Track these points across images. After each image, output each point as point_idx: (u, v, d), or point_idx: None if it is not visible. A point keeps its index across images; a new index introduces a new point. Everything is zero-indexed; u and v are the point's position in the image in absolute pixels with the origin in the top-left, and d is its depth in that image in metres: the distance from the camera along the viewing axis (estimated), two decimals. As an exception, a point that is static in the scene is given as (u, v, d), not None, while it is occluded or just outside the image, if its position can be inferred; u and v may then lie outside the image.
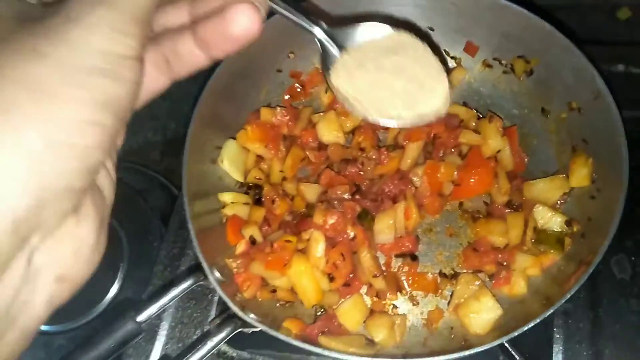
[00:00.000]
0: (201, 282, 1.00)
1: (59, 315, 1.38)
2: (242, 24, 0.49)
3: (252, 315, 0.97)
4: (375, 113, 0.78)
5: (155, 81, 0.56)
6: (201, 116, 1.14)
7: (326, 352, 0.95)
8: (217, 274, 1.01)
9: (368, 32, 0.80)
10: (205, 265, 0.98)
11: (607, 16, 1.53)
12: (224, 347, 1.17)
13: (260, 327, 0.94)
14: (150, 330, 1.18)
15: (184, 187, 1.05)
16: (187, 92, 1.70)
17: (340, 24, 0.80)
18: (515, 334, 0.94)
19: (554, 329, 1.13)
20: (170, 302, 0.97)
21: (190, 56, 0.54)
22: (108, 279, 1.41)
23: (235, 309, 0.95)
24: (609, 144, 1.08)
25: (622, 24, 1.52)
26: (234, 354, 1.17)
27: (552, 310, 0.95)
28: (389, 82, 0.78)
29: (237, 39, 0.50)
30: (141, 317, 0.95)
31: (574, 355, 1.11)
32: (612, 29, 1.53)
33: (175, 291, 0.97)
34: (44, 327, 1.36)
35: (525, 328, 0.94)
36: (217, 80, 1.17)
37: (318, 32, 0.77)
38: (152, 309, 0.96)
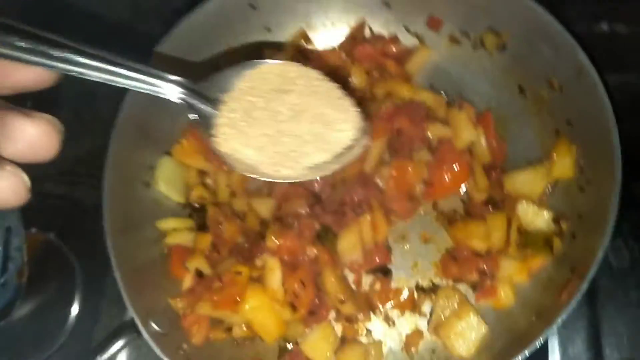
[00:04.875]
0: (136, 341, 0.85)
1: (17, 351, 1.26)
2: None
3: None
4: (285, 169, 0.64)
5: None
6: (125, 133, 0.98)
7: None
8: (156, 327, 0.86)
9: (244, 74, 0.64)
10: (138, 319, 0.84)
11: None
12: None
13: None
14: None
15: (106, 224, 0.89)
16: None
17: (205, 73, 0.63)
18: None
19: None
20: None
21: None
22: (63, 308, 1.28)
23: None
24: (596, 127, 0.94)
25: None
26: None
27: (548, 331, 0.82)
28: (290, 129, 0.63)
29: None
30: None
31: (572, 357, 1.00)
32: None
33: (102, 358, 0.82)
34: None
35: (519, 357, 0.81)
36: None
37: (174, 92, 0.59)
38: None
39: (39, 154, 0.48)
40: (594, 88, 0.93)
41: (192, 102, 0.61)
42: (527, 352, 0.84)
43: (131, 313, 0.84)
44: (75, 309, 1.28)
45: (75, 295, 1.30)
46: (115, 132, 0.98)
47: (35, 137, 0.47)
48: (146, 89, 0.56)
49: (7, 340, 1.24)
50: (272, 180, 0.65)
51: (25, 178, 0.48)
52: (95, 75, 0.52)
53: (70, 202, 1.44)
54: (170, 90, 0.59)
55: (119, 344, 0.84)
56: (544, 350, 0.99)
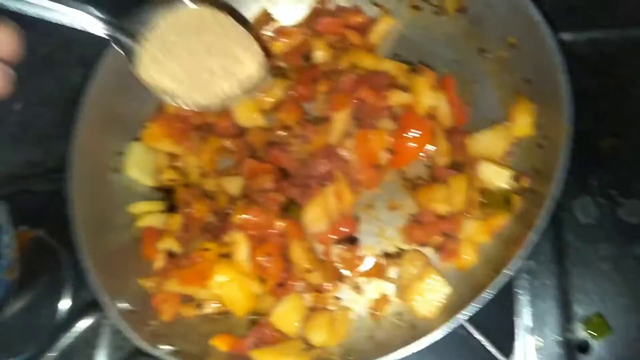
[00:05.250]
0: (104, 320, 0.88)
1: (10, 347, 1.31)
2: None
3: (164, 348, 0.86)
4: (199, 98, 0.76)
5: None
6: (90, 119, 1.01)
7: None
8: (125, 305, 0.89)
9: (163, 13, 0.72)
10: (103, 298, 0.87)
11: None
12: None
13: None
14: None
15: (73, 211, 0.93)
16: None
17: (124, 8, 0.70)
18: (464, 312, 0.83)
19: (517, 291, 1.02)
20: (64, 347, 0.85)
21: None
22: (54, 302, 1.32)
23: (140, 344, 0.84)
24: (551, 81, 0.94)
25: None
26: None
27: (501, 278, 0.83)
28: (205, 64, 0.74)
29: None
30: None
31: (542, 316, 1.01)
32: None
33: (66, 337, 0.86)
34: None
35: (475, 302, 0.82)
36: (104, 71, 1.02)
37: (99, 26, 0.66)
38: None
39: (4, 52, 0.57)
40: (545, 43, 0.93)
41: (116, 36, 0.69)
42: (477, 303, 0.85)
43: (94, 291, 0.87)
44: (67, 302, 1.32)
45: (66, 289, 1.34)
46: (81, 119, 1.00)
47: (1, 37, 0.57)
48: (70, 23, 0.62)
49: (3, 334, 1.29)
50: (187, 107, 0.77)
51: (10, 71, 0.59)
52: (14, 7, 0.57)
53: (58, 199, 1.49)
54: (95, 25, 0.65)
55: (86, 321, 0.87)
56: (512, 307, 1.01)
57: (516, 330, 1.00)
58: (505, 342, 0.99)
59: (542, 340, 1.00)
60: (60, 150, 1.67)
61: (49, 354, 0.82)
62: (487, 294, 0.85)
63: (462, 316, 0.86)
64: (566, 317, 1.01)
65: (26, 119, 1.67)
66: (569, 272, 1.03)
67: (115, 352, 1.04)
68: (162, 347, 0.85)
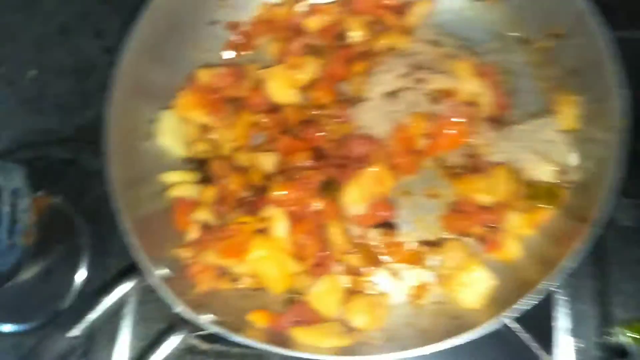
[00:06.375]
0: (144, 284, 0.83)
1: (23, 313, 1.24)
2: None
3: (206, 317, 0.81)
4: None
5: None
6: (124, 85, 0.96)
7: (298, 354, 0.81)
8: (164, 270, 0.85)
9: None
10: (143, 263, 0.82)
11: None
12: (193, 341, 1.01)
13: (215, 330, 0.80)
14: (111, 327, 1.03)
15: (110, 174, 0.88)
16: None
17: None
18: (515, 307, 0.81)
19: (555, 290, 1.00)
20: (105, 311, 0.80)
21: None
22: (70, 270, 1.27)
23: (183, 311, 0.80)
24: (600, 75, 0.93)
25: None
26: (206, 348, 1.03)
27: (552, 277, 0.81)
28: None
29: None
30: (73, 332, 0.79)
31: (580, 318, 1.00)
32: None
33: (108, 299, 0.81)
34: (10, 328, 1.23)
35: (526, 300, 0.81)
36: (138, 38, 0.98)
37: None
38: (84, 322, 0.80)
39: None
40: (596, 34, 0.92)
41: None
42: (530, 299, 0.84)
43: (136, 256, 0.82)
44: (83, 270, 1.27)
45: (82, 257, 1.29)
46: (116, 86, 0.95)
47: None
48: None
49: (14, 301, 1.23)
50: None
51: None
52: None
53: (75, 167, 1.43)
54: None
55: (127, 285, 0.82)
56: (549, 317, 0.99)
57: (555, 331, 0.99)
58: (544, 341, 0.97)
59: (581, 342, 0.98)
60: (76, 119, 1.61)
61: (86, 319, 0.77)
62: (543, 289, 0.83)
63: (513, 312, 0.84)
64: (605, 320, 1.00)
65: (41, 87, 1.61)
66: (608, 275, 1.01)
67: (143, 322, 1.01)
68: (203, 315, 0.81)
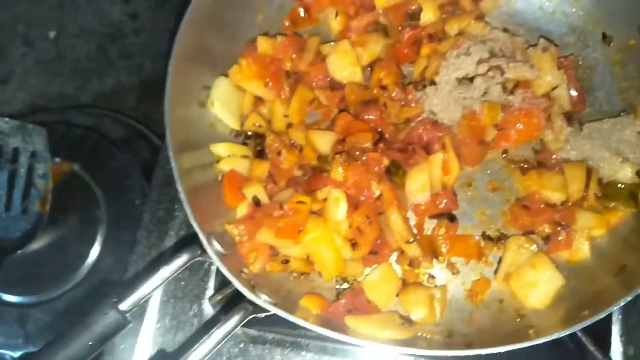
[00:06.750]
0: (198, 258, 0.78)
1: (31, 283, 1.20)
2: None
3: (264, 297, 0.76)
4: None
5: None
6: (183, 50, 0.90)
7: (358, 341, 0.75)
8: (217, 246, 0.80)
9: None
10: (202, 235, 0.77)
11: None
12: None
13: (277, 311, 0.74)
14: (138, 307, 0.97)
15: (168, 136, 0.83)
16: (164, 25, 1.44)
17: None
18: (591, 318, 0.76)
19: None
20: (160, 284, 0.75)
21: None
22: (85, 242, 1.23)
23: (244, 290, 0.75)
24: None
25: None
26: (240, 332, 0.98)
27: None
28: None
29: None
30: (125, 305, 0.74)
31: (634, 325, 0.95)
32: None
33: (166, 271, 0.76)
34: (16, 298, 1.19)
35: (608, 311, 0.75)
36: (199, 4, 0.92)
37: None
38: (138, 294, 0.75)
39: None
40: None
41: None
42: (609, 310, 0.78)
43: (195, 227, 0.77)
44: (98, 244, 1.22)
45: (98, 230, 1.24)
46: (176, 50, 0.90)
47: None
48: None
49: (22, 271, 1.18)
50: None
51: None
52: None
53: (95, 134, 1.37)
54: None
55: (183, 258, 0.76)
56: (607, 325, 0.94)
57: (612, 336, 0.94)
58: (600, 344, 0.92)
59: (637, 348, 0.94)
60: (95, 86, 1.56)
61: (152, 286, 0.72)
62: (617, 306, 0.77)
63: (587, 321, 0.78)
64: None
65: (60, 49, 1.55)
66: None
67: (169, 322, 0.97)
68: (262, 296, 0.75)
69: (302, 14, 1.09)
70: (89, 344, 0.70)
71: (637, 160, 0.93)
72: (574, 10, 1.06)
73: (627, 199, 0.91)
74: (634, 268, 0.84)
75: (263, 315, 0.76)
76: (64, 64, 1.55)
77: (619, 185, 0.92)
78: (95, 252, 1.23)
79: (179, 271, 0.77)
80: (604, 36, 1.03)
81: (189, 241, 0.80)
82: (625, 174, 0.92)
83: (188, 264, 0.78)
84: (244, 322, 0.75)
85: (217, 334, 0.73)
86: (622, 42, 1.01)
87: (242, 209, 0.92)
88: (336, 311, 0.86)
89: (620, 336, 0.94)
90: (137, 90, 1.58)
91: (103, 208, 1.26)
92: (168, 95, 0.87)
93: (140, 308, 0.98)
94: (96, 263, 1.22)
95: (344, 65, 1.03)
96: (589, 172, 0.94)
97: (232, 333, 0.75)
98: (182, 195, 0.78)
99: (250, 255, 0.86)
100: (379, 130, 1.01)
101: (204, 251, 0.77)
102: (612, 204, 0.92)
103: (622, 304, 0.77)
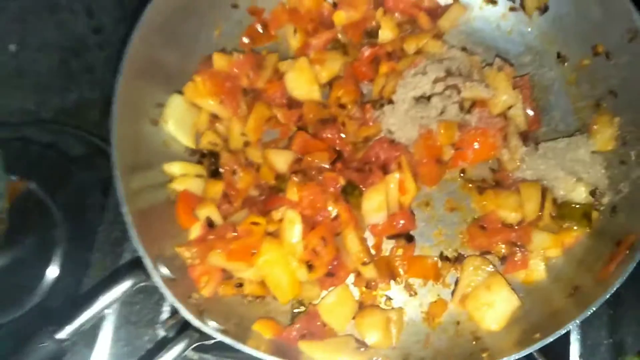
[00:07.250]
0: (143, 283, 0.75)
1: None
2: None
3: (212, 324, 0.74)
4: None
5: None
6: (134, 65, 0.88)
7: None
8: (165, 270, 0.77)
9: None
10: (147, 260, 0.74)
11: None
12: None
13: (223, 339, 0.72)
14: (89, 332, 0.94)
15: (114, 156, 0.80)
16: (128, 38, 1.41)
17: None
18: (546, 339, 0.75)
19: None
20: (101, 311, 0.72)
21: None
22: (41, 263, 1.18)
23: (190, 317, 0.72)
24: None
25: None
26: (196, 358, 0.94)
27: (591, 309, 0.76)
28: None
29: None
30: (64, 334, 0.71)
31: (592, 345, 0.94)
32: None
33: (107, 297, 0.72)
34: None
35: (560, 332, 0.75)
36: (152, 16, 0.90)
37: None
38: (78, 322, 0.71)
39: None
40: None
41: None
42: (562, 331, 0.78)
43: (140, 252, 0.74)
44: (56, 265, 1.18)
45: (56, 251, 1.20)
46: (125, 64, 0.87)
47: None
48: None
49: None
50: None
51: None
52: None
53: (54, 151, 1.33)
54: None
55: (126, 284, 0.74)
56: (564, 343, 0.93)
57: (569, 357, 0.93)
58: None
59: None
60: (56, 101, 1.52)
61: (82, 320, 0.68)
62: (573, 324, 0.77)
63: (540, 342, 0.78)
64: (618, 349, 0.95)
65: (22, 63, 1.51)
66: (621, 303, 0.96)
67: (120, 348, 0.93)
68: (210, 322, 0.73)
69: (260, 31, 1.08)
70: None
71: (591, 180, 0.94)
72: (529, 30, 1.06)
73: (581, 219, 0.91)
74: (587, 288, 0.84)
75: (211, 342, 0.74)
76: (24, 78, 1.51)
77: (574, 205, 0.93)
78: (52, 273, 1.18)
79: (123, 297, 0.74)
80: (559, 56, 1.04)
81: (136, 265, 0.77)
82: (580, 193, 0.93)
83: (133, 289, 0.75)
84: (190, 349, 0.72)
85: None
86: (577, 62, 1.02)
87: (195, 231, 0.89)
88: (290, 336, 0.84)
89: (580, 356, 0.93)
90: (100, 105, 1.54)
91: (61, 228, 1.21)
92: (115, 112, 0.84)
93: (92, 333, 0.95)
94: (54, 285, 1.18)
95: (302, 83, 1.02)
96: (544, 192, 0.94)
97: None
98: (127, 218, 0.76)
99: (201, 279, 0.84)
100: (337, 149, 1.00)
101: (149, 276, 0.74)
102: (567, 224, 0.92)
103: (571, 326, 0.76)
